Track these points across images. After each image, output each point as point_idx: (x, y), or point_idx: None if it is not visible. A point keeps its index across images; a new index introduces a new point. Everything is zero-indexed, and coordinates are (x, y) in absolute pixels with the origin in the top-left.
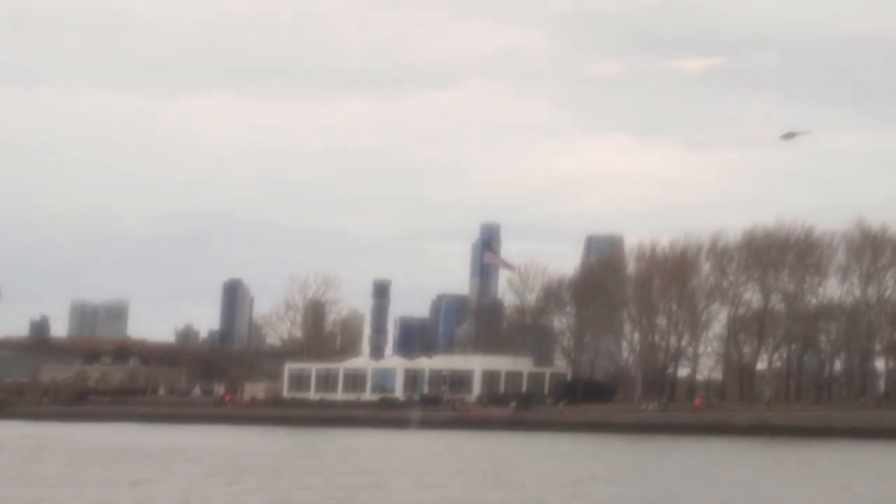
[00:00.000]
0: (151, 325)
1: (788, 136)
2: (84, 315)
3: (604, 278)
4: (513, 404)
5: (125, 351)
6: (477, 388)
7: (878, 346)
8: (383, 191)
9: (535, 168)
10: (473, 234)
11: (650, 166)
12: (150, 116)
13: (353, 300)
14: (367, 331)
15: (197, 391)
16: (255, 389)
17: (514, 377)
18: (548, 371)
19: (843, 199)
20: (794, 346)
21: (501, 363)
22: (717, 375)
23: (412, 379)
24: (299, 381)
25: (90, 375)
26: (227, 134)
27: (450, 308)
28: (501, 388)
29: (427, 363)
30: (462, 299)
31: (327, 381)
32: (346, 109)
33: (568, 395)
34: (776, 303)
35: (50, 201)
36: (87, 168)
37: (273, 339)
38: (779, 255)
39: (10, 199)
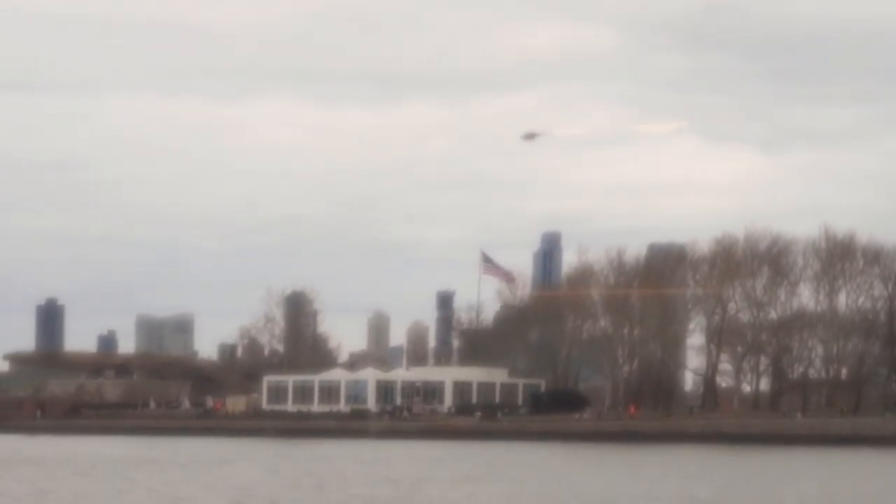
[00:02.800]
0: (217, 338)
1: (529, 136)
2: (150, 330)
3: (579, 289)
4: (478, 414)
5: (129, 365)
6: (449, 399)
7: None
8: (449, 199)
9: (602, 173)
10: (535, 244)
11: (720, 170)
12: (213, 124)
13: (418, 312)
14: (431, 342)
15: (186, 404)
16: (237, 402)
17: (486, 388)
18: (521, 382)
19: None
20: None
21: (473, 374)
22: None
23: (384, 390)
24: (277, 393)
25: (88, 389)
26: (290, 141)
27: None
28: (473, 399)
29: (400, 375)
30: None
31: (304, 393)
32: (410, 114)
33: (535, 405)
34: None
35: (116, 214)
36: (152, 179)
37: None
38: (747, 263)
39: (76, 213)
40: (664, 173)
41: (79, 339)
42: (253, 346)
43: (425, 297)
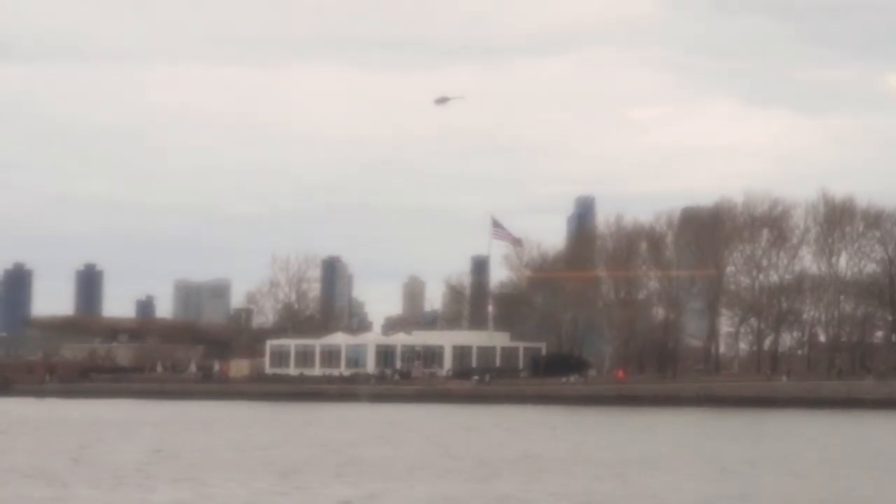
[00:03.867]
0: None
1: (441, 100)
2: (188, 295)
3: (580, 252)
4: (475, 378)
5: (143, 329)
6: (448, 363)
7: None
8: (485, 164)
9: (638, 138)
10: (569, 208)
11: (757, 134)
12: (253, 91)
13: (453, 277)
14: (466, 306)
15: (192, 368)
16: (241, 366)
17: (486, 352)
18: (521, 346)
19: None
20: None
21: (473, 338)
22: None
23: (384, 354)
24: (280, 357)
25: (100, 353)
26: (328, 108)
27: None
28: (473, 363)
29: (400, 339)
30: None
31: (305, 357)
32: (449, 80)
33: (535, 369)
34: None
35: (155, 181)
36: (193, 146)
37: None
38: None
39: (116, 180)
40: (700, 137)
41: (118, 303)
42: (260, 311)
43: (460, 262)
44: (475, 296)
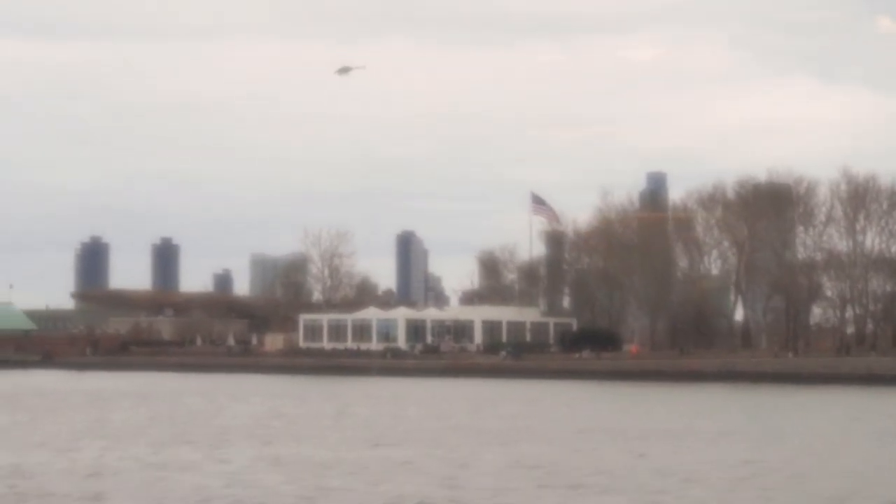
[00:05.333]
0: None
1: (343, 70)
2: (264, 269)
3: (612, 229)
4: (503, 353)
5: (189, 303)
6: (478, 338)
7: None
8: (560, 140)
9: (712, 114)
10: (640, 184)
11: (833, 111)
12: (330, 68)
13: (528, 252)
14: (542, 282)
15: (231, 341)
16: (275, 340)
17: (516, 327)
18: (552, 321)
19: None
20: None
21: (503, 313)
22: None
23: (413, 329)
24: (313, 331)
25: (142, 327)
26: (404, 84)
27: None
28: (504, 338)
29: (430, 314)
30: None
31: (338, 331)
32: (524, 56)
33: (564, 344)
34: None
35: (233, 155)
36: (270, 121)
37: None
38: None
39: (195, 154)
40: (776, 114)
41: (195, 277)
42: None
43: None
44: (550, 273)
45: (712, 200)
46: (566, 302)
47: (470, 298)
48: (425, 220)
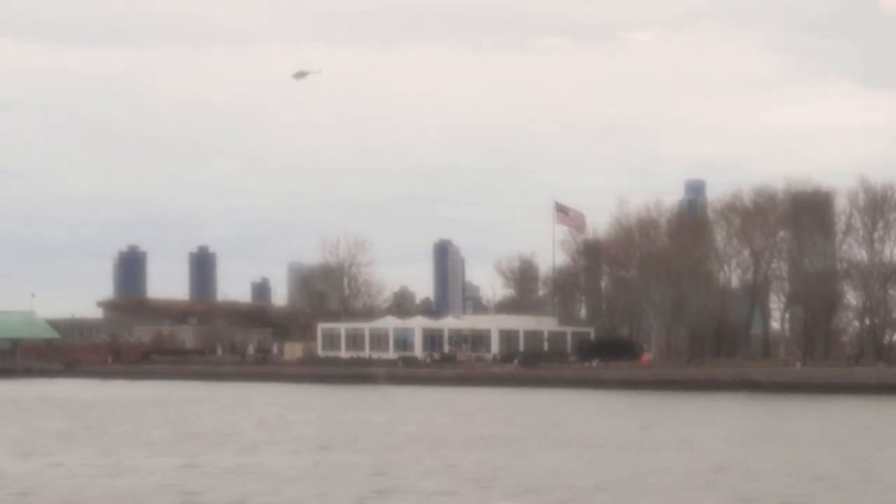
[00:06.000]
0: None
1: (299, 75)
2: (301, 278)
3: (632, 239)
4: (516, 362)
5: (211, 312)
6: (495, 347)
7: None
8: (598, 145)
9: (751, 120)
10: (678, 192)
11: (874, 117)
12: (365, 73)
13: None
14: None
15: (251, 350)
16: (294, 349)
17: (533, 336)
18: (569, 330)
19: None
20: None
21: (520, 322)
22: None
23: (430, 338)
24: (331, 340)
25: (165, 336)
26: (441, 89)
27: None
28: (521, 347)
29: (447, 323)
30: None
31: (356, 340)
32: (562, 60)
33: (581, 354)
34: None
35: (270, 162)
36: (307, 127)
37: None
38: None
39: (232, 161)
40: (819, 119)
41: (233, 286)
42: (319, 294)
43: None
44: (587, 280)
45: (731, 210)
46: (584, 310)
47: (506, 307)
48: (462, 228)
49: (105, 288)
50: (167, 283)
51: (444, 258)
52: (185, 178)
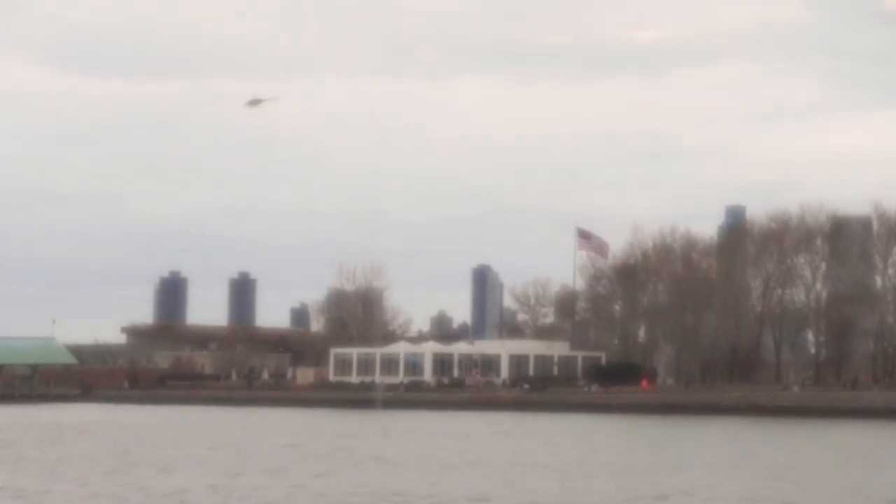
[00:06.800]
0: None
1: (253, 102)
2: (340, 303)
3: (640, 265)
4: (525, 386)
5: (233, 338)
6: (505, 372)
7: None
8: (641, 174)
9: (796, 148)
10: (718, 217)
11: None
12: (413, 101)
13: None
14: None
15: (265, 375)
16: (306, 374)
17: (544, 361)
18: (580, 354)
19: None
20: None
21: (530, 347)
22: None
23: (440, 363)
24: (343, 365)
25: (182, 361)
26: (486, 117)
27: None
28: (531, 372)
29: (457, 348)
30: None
31: (367, 365)
32: (605, 90)
33: (590, 378)
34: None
35: (314, 188)
36: (352, 155)
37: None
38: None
39: (276, 188)
40: (862, 145)
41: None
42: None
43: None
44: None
45: (746, 236)
46: (595, 334)
47: (546, 333)
48: (501, 253)
49: (144, 313)
50: (207, 308)
51: (483, 283)
52: (227, 205)
